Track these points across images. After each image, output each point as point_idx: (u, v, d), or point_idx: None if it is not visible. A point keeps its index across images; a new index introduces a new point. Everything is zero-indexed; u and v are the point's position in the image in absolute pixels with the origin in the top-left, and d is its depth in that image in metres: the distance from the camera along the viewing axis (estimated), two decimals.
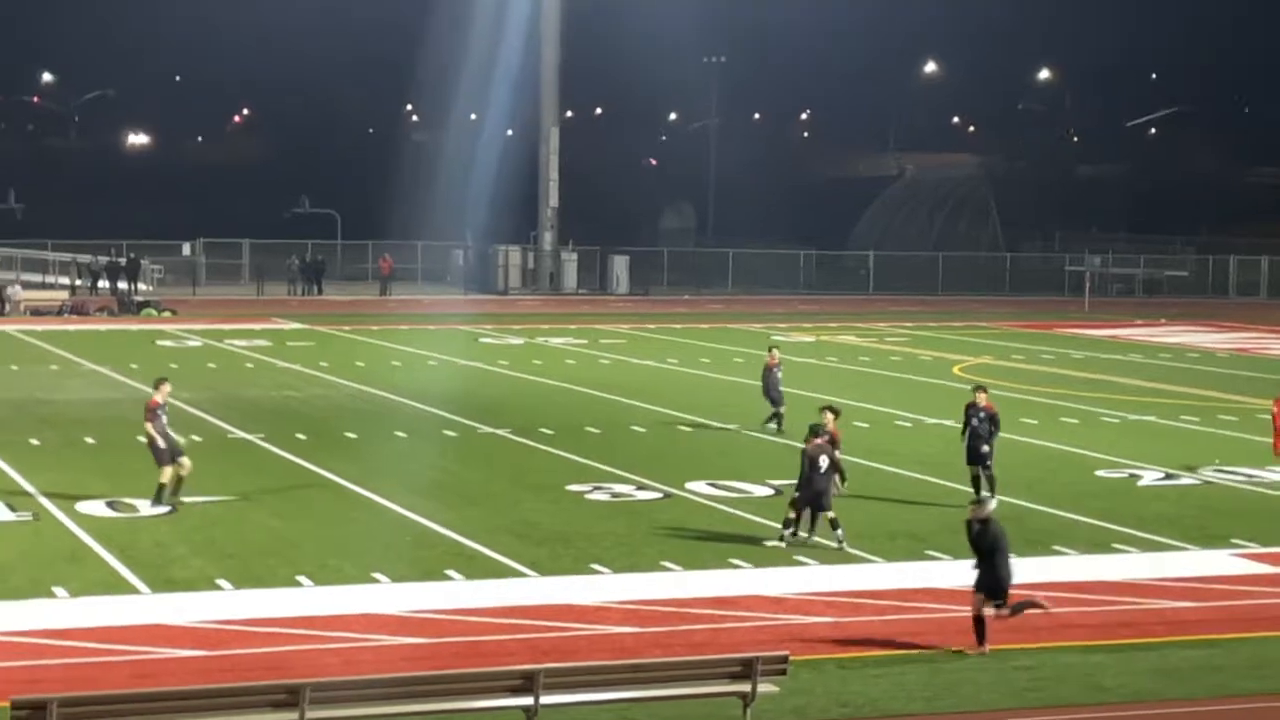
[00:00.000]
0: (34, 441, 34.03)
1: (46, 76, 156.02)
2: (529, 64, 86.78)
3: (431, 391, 42.86)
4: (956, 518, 27.57)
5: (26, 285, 73.14)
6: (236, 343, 56.00)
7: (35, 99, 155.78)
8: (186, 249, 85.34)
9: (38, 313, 67.11)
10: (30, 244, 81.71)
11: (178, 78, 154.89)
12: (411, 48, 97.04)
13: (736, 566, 24.05)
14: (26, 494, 28.38)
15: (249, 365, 49.46)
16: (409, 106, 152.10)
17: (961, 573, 23.81)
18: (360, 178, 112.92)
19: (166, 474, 27.19)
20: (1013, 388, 46.14)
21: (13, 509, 27.07)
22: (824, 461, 24.88)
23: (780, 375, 37.12)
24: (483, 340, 58.80)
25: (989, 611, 19.90)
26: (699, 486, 29.85)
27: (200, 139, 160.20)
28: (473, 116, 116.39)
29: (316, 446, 33.92)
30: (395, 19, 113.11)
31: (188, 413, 38.43)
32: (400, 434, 36.25)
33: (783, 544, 25.06)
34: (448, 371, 49.02)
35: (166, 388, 28.16)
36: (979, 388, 30.00)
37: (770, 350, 38.17)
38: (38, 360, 49.79)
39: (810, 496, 24.90)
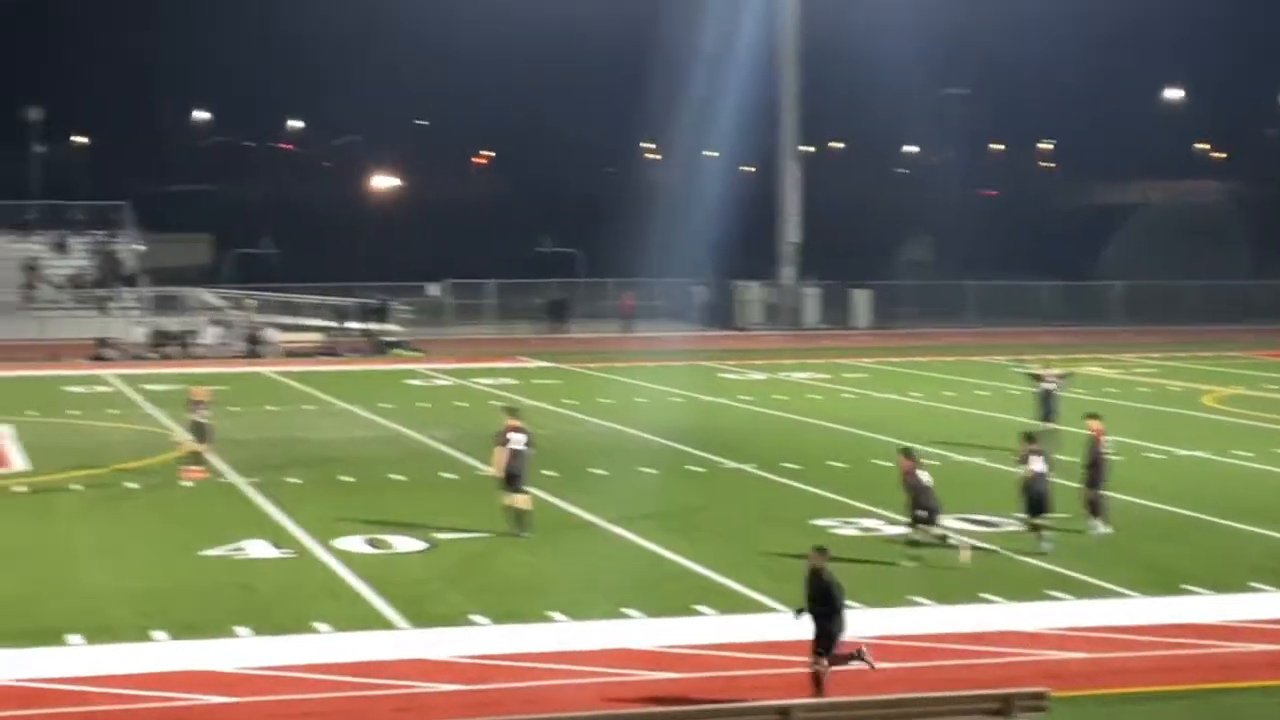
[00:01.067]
0: (293, 480, 34.92)
1: (297, 123, 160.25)
2: (767, 99, 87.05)
3: (676, 427, 43.12)
4: (1211, 551, 27.11)
5: (281, 328, 75.00)
6: (484, 381, 56.86)
7: (286, 145, 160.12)
8: (434, 289, 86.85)
9: (292, 354, 68.85)
10: (284, 287, 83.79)
11: (422, 121, 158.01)
12: (648, 86, 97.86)
13: (989, 601, 23.86)
14: (287, 531, 29.15)
15: (494, 403, 50.14)
16: (648, 144, 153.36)
17: (1222, 608, 23.42)
18: (601, 216, 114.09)
19: (516, 501, 28.49)
20: (1266, 418, 45.13)
21: (275, 545, 27.84)
22: (925, 478, 25.84)
23: (1052, 393, 37.00)
24: (725, 376, 59.01)
25: (822, 665, 19.13)
26: (946, 520, 29.62)
27: (444, 181, 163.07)
28: (710, 153, 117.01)
29: (565, 483, 34.34)
30: (632, 57, 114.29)
31: (440, 451, 39.32)
32: (647, 470, 36.53)
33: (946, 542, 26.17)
34: (691, 407, 49.27)
35: (508, 419, 29.19)
36: (1091, 415, 29.58)
37: (1047, 368, 38.28)
38: (293, 400, 51.06)
39: (932, 511, 25.94)
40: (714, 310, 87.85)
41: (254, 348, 69.49)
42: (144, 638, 21.94)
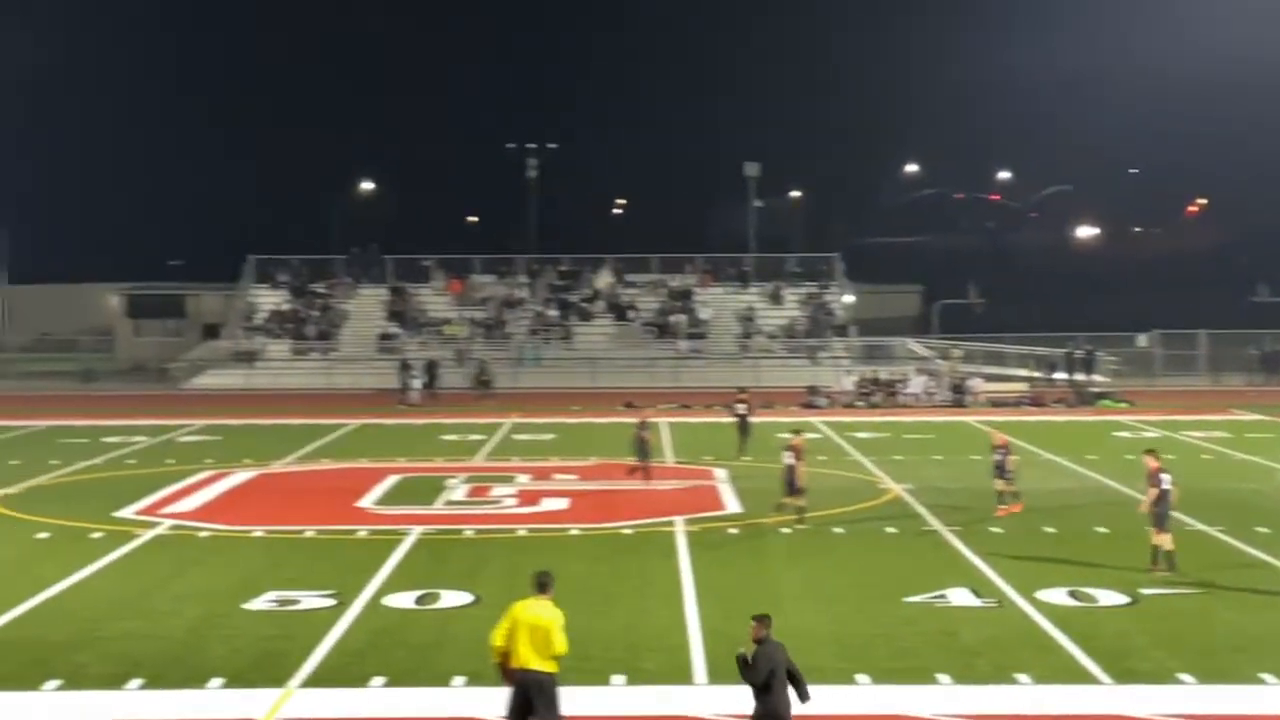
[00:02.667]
0: (996, 530, 34.90)
1: (1005, 174, 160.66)
2: None
3: None
4: None
5: (986, 377, 75.23)
6: (1193, 434, 55.33)
7: (994, 196, 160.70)
8: (1142, 339, 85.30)
9: (997, 404, 68.94)
10: (989, 337, 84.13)
11: (1133, 170, 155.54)
12: None
13: None
14: (989, 580, 29.16)
15: (1206, 457, 48.79)
16: None
17: None
18: None
19: (1163, 541, 29.62)
20: None
21: (977, 594, 27.89)
22: None
23: None
24: None
25: None
26: None
27: (1154, 229, 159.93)
28: None
29: (1279, 541, 33.06)
30: None
31: None
32: None
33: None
34: None
35: (1149, 460, 30.37)
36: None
37: None
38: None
39: None
40: None
41: (958, 397, 69.95)
42: (847, 680, 22.38)
